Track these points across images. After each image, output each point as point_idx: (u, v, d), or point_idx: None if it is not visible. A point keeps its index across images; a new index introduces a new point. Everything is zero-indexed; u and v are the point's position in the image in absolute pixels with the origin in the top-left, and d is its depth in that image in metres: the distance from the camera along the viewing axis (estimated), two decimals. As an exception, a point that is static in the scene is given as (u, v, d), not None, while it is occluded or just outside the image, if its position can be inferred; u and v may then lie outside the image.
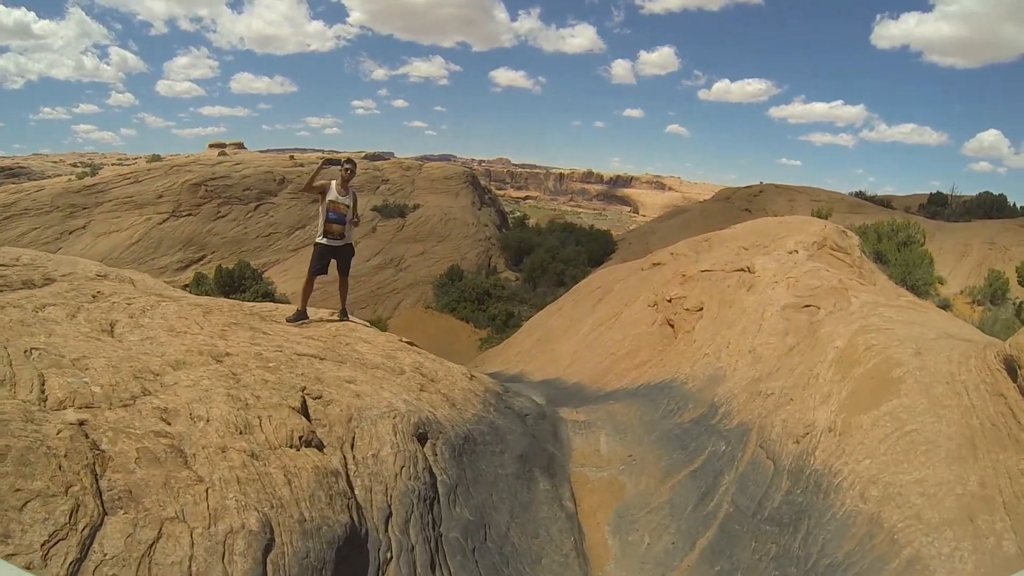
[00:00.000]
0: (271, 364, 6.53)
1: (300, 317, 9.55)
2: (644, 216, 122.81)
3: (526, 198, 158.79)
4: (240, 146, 75.04)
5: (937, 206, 58.04)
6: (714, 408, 9.24)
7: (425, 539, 5.40)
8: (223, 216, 55.00)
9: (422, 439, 6.60)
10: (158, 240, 50.26)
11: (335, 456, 5.42)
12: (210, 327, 7.34)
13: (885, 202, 60.48)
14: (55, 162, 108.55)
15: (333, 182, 9.44)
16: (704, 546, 6.88)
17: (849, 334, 8.88)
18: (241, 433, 4.78)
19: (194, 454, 4.26)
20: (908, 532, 5.39)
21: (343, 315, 10.34)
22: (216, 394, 5.18)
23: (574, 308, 23.41)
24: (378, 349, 8.93)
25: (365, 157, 77.51)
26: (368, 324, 10.81)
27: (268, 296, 35.03)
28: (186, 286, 36.64)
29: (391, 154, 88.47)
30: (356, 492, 5.24)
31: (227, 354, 6.35)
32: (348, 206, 9.52)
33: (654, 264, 21.20)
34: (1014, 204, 56.96)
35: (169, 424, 4.46)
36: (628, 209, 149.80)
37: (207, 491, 3.93)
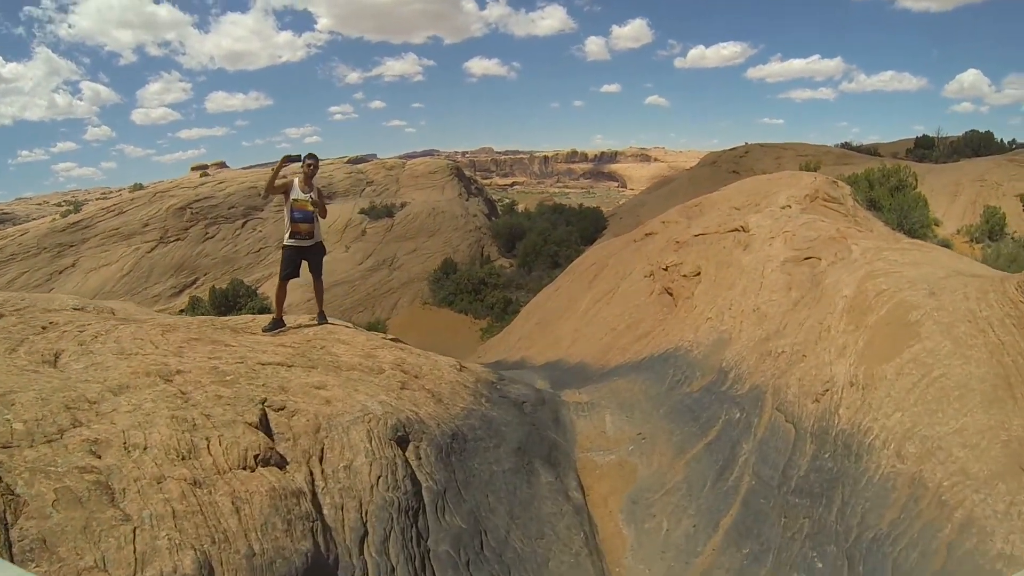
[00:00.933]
0: (228, 378, 5.95)
1: (277, 325, 8.99)
2: (632, 190, 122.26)
3: (513, 184, 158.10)
4: (222, 165, 74.74)
5: (924, 149, 57.73)
6: (723, 374, 8.71)
7: (408, 557, 4.84)
8: (211, 237, 54.34)
9: (402, 443, 6.03)
10: (149, 269, 49.66)
11: (299, 473, 4.88)
12: (166, 346, 6.72)
13: (872, 150, 60.07)
14: (39, 204, 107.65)
15: (295, 180, 8.89)
16: (728, 526, 6.34)
17: (856, 281, 8.38)
18: (183, 459, 4.26)
19: (123, 489, 3.75)
20: (956, 491, 4.87)
21: (321, 318, 9.78)
22: (159, 417, 4.63)
23: (571, 287, 22.98)
24: (356, 349, 8.34)
25: (348, 162, 76.89)
26: (349, 325, 10.24)
27: (264, 312, 34.34)
28: (181, 311, 36.17)
29: (373, 156, 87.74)
30: (324, 512, 4.70)
31: (178, 372, 5.76)
32: (314, 203, 8.96)
33: (646, 234, 20.71)
34: (1001, 140, 56.65)
35: (99, 457, 3.95)
36: (616, 184, 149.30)
37: (134, 531, 3.48)
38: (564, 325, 18.96)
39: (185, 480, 4.04)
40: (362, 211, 59.23)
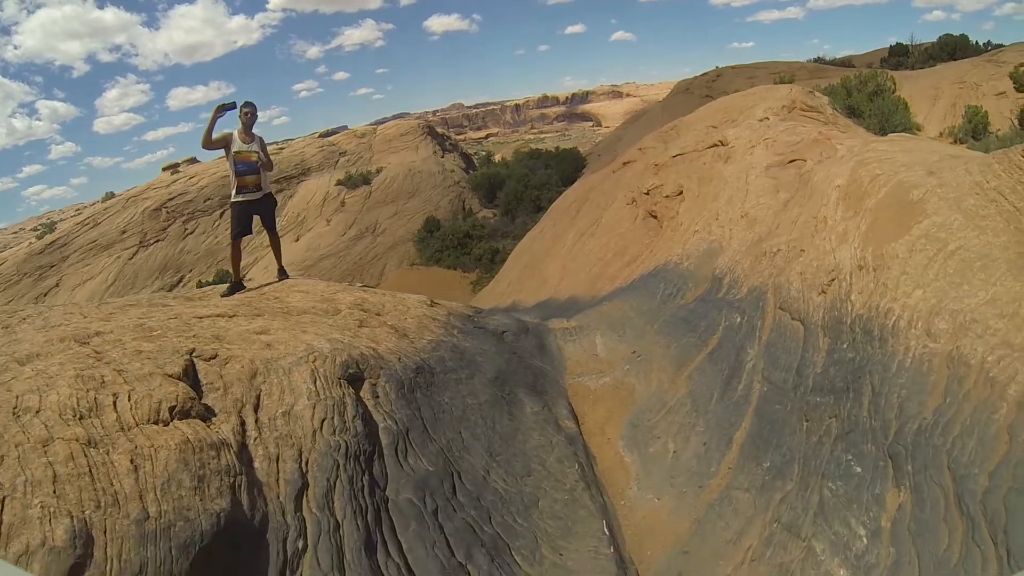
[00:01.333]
0: (154, 333, 5.34)
1: (235, 289, 8.30)
2: (607, 127, 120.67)
3: (487, 137, 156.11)
4: (193, 161, 73.19)
5: (899, 57, 56.78)
6: (717, 281, 8.19)
7: (358, 510, 4.29)
8: (191, 232, 53.33)
9: (355, 381, 5.42)
10: (133, 275, 48.93)
11: (227, 424, 4.34)
12: (97, 314, 6.06)
13: (846, 63, 59.15)
14: (14, 233, 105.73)
15: (235, 132, 8.21)
16: (743, 440, 5.82)
17: (848, 171, 7.89)
18: (81, 418, 3.75)
19: (1, 456, 3.32)
20: (1004, 365, 4.33)
21: (282, 274, 9.15)
22: (62, 379, 4.08)
23: (555, 226, 22.43)
24: (314, 296, 7.70)
25: (320, 136, 75.58)
26: (312, 280, 9.61)
27: None
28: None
29: (345, 127, 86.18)
30: (256, 465, 4.19)
31: (97, 334, 5.14)
32: (257, 152, 8.32)
33: (625, 163, 20.14)
34: (976, 42, 55.72)
35: None
36: (590, 124, 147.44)
37: (2, 501, 3.09)
38: (551, 264, 18.54)
39: (77, 440, 3.55)
40: (339, 182, 58.19)
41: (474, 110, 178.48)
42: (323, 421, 4.72)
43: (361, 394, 5.34)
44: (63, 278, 49.12)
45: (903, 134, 13.15)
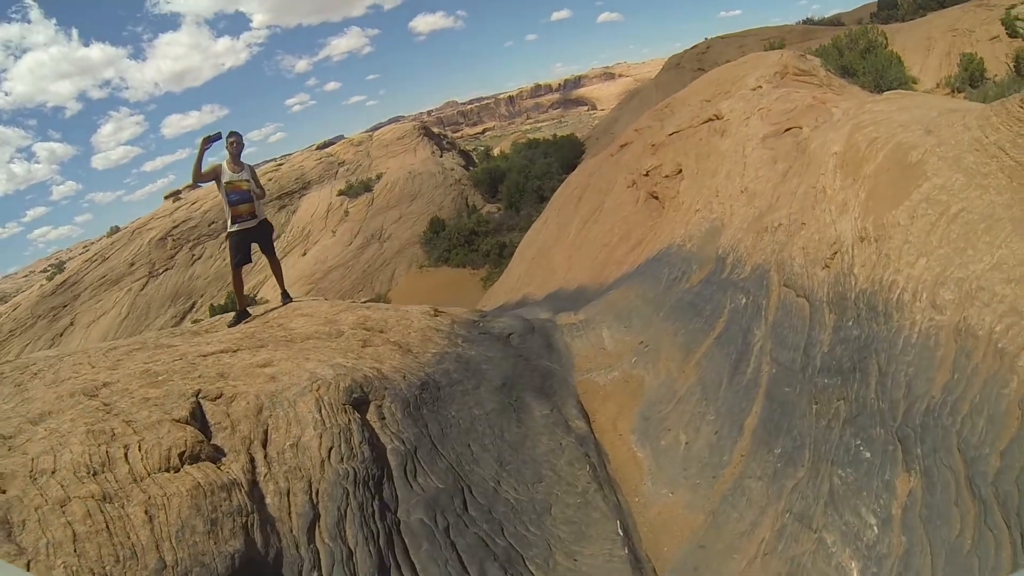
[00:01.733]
0: (160, 378, 5.33)
1: (241, 317, 8.42)
2: (603, 110, 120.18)
3: (484, 131, 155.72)
4: (194, 186, 73.57)
5: (888, 10, 56.11)
6: (721, 260, 8.05)
7: (369, 536, 4.24)
8: (199, 258, 53.52)
9: (360, 404, 5.39)
10: (146, 306, 49.11)
11: (236, 463, 4.32)
12: (104, 362, 6.04)
13: (835, 22, 58.59)
14: (25, 277, 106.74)
15: (224, 163, 8.22)
16: (755, 426, 5.68)
17: (844, 137, 7.72)
18: (94, 475, 3.77)
19: (23, 521, 3.33)
20: (1014, 334, 4.14)
21: (285, 298, 9.18)
22: (74, 436, 4.09)
23: (558, 216, 22.27)
24: (317, 319, 7.66)
25: (317, 148, 75.63)
26: (315, 300, 9.57)
27: None
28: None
29: (341, 137, 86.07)
30: (268, 501, 4.17)
31: (104, 385, 5.13)
32: (248, 181, 8.34)
33: (622, 146, 19.98)
34: (968, -12, 54.97)
35: (2, 492, 3.52)
36: (585, 108, 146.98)
37: (28, 565, 3.12)
38: (557, 254, 18.39)
39: (93, 497, 3.57)
40: (340, 192, 58.37)
41: (468, 106, 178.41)
42: (330, 450, 4.69)
43: (367, 417, 5.31)
44: (77, 316, 49.39)
45: (899, 91, 12.92)
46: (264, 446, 4.57)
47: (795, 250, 6.66)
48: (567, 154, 55.43)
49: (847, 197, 6.50)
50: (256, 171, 8.61)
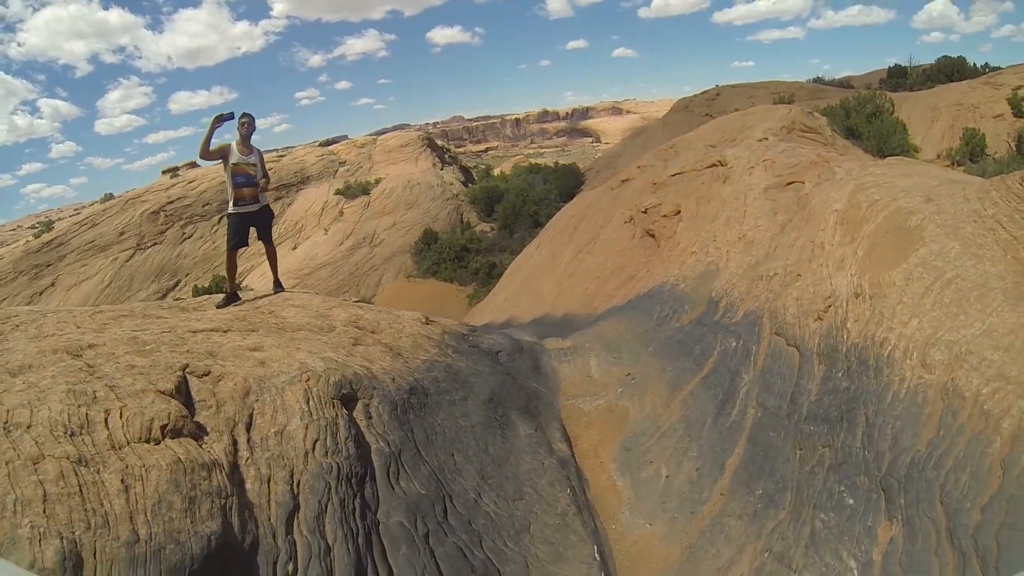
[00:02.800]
0: (147, 347, 5.27)
1: (231, 300, 8.25)
2: (607, 143, 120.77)
3: (487, 150, 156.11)
4: (192, 165, 73.08)
5: (898, 79, 56.81)
6: (713, 304, 8.14)
7: (348, 533, 4.20)
8: (189, 237, 52.97)
9: (348, 401, 5.35)
10: (129, 277, 48.61)
11: (219, 443, 4.25)
12: (90, 324, 5.97)
13: (845, 83, 59.26)
14: (12, 230, 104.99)
15: (233, 143, 8.19)
16: (736, 466, 5.75)
17: (846, 196, 7.88)
18: (72, 435, 3.67)
19: None
20: (999, 398, 4.28)
21: (277, 286, 9.09)
22: (54, 392, 4.01)
23: (552, 243, 22.36)
24: (309, 311, 7.65)
25: (320, 145, 75.69)
26: (308, 293, 9.56)
27: None
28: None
29: (345, 137, 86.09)
30: (248, 486, 4.10)
31: (90, 346, 5.07)
32: (255, 165, 8.29)
33: (623, 181, 20.13)
34: (974, 64, 55.79)
35: None
36: (590, 140, 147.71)
37: None
38: (548, 280, 18.46)
39: (68, 458, 3.46)
40: (337, 192, 58.20)
41: (474, 123, 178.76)
42: (315, 442, 4.65)
43: (354, 415, 5.27)
44: (59, 278, 48.61)
45: (901, 158, 13.18)
46: (248, 430, 4.52)
47: (789, 300, 6.76)
48: (567, 183, 55.38)
49: (845, 254, 6.63)
50: (264, 156, 8.59)
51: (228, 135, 8.30)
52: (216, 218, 55.22)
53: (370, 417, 5.35)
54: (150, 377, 4.55)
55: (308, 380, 5.20)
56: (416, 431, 5.58)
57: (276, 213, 55.13)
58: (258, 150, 8.43)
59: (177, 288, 47.98)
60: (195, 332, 5.96)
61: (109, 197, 65.23)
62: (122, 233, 51.94)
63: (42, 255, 50.14)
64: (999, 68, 46.43)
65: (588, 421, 7.25)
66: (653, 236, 12.97)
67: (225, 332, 6.17)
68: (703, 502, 5.62)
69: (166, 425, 4.04)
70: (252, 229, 8.58)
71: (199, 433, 4.26)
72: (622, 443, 6.79)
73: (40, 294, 46.98)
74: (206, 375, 4.89)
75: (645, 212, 14.00)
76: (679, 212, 12.44)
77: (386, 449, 5.09)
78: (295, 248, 51.61)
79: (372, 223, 54.26)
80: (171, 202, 54.83)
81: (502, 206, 52.34)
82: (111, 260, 49.75)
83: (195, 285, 42.27)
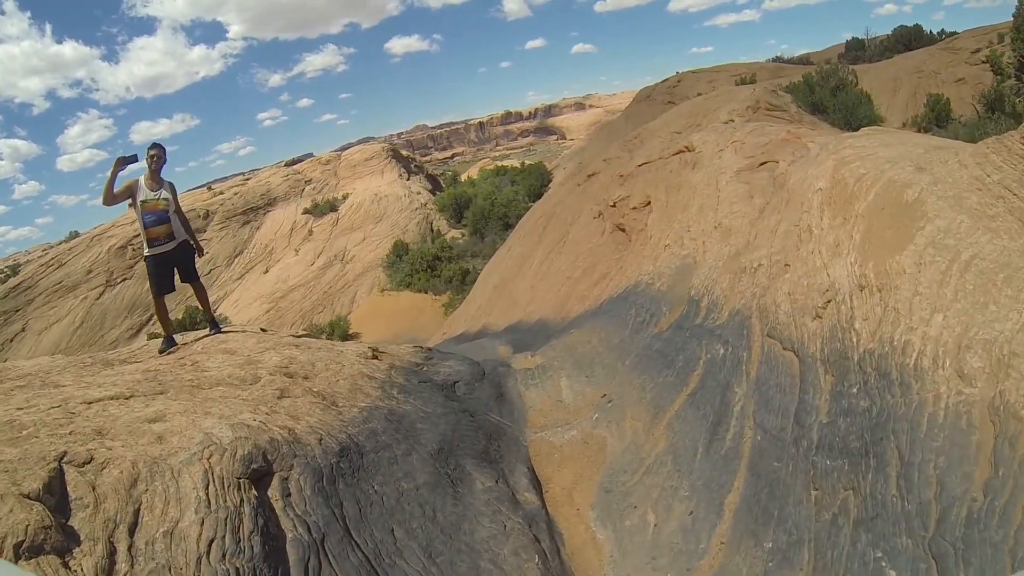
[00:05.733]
0: (24, 431, 4.27)
1: (169, 345, 7.63)
2: (572, 139, 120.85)
3: (453, 156, 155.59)
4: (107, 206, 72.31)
5: (856, 51, 57.09)
6: (694, 304, 7.28)
7: None
8: None
9: (262, 476, 4.36)
10: (101, 316, 47.46)
11: (90, 557, 3.27)
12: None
13: (804, 60, 59.43)
14: None
15: (140, 179, 7.50)
16: (737, 505, 4.74)
17: (829, 172, 7.09)
18: None
19: None
20: None
21: (213, 327, 8.35)
22: None
23: (522, 244, 21.68)
24: (238, 357, 6.72)
25: (286, 165, 75.04)
26: (246, 329, 8.65)
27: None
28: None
29: (310, 155, 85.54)
30: None
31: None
32: (167, 199, 7.57)
33: (589, 176, 19.50)
34: (931, 32, 56.00)
35: None
36: (555, 137, 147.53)
37: None
38: (520, 284, 17.79)
39: None
40: (305, 211, 58.22)
41: (439, 130, 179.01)
42: (211, 542, 3.67)
43: (268, 493, 4.30)
44: (29, 322, 47.55)
45: (875, 127, 12.55)
46: (131, 532, 3.52)
47: (779, 295, 5.89)
48: (534, 182, 55.54)
49: (839, 238, 5.77)
50: (176, 189, 7.81)
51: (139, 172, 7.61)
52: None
53: (288, 495, 4.36)
54: (16, 475, 3.56)
55: (210, 457, 4.23)
56: (346, 505, 4.58)
57: (245, 237, 54.81)
58: (169, 183, 7.70)
59: (151, 323, 46.47)
60: (90, 404, 4.90)
61: (75, 235, 64.34)
62: (90, 271, 50.97)
63: (9, 301, 48.99)
64: (955, 33, 46.71)
65: (560, 458, 6.33)
66: (624, 230, 12.36)
67: (127, 399, 5.15)
68: (700, 555, 4.62)
69: (21, 543, 3.09)
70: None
71: (67, 545, 3.28)
72: (601, 483, 5.85)
73: (11, 340, 46.04)
74: (87, 463, 3.87)
75: (614, 206, 13.36)
76: (649, 203, 11.81)
77: (305, 537, 4.07)
78: (267, 271, 51.32)
79: (342, 240, 54.24)
80: (138, 235, 53.75)
81: (471, 211, 52.22)
82: (80, 300, 48.80)
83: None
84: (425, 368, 7.71)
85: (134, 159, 7.30)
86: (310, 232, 55.22)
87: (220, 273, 52.46)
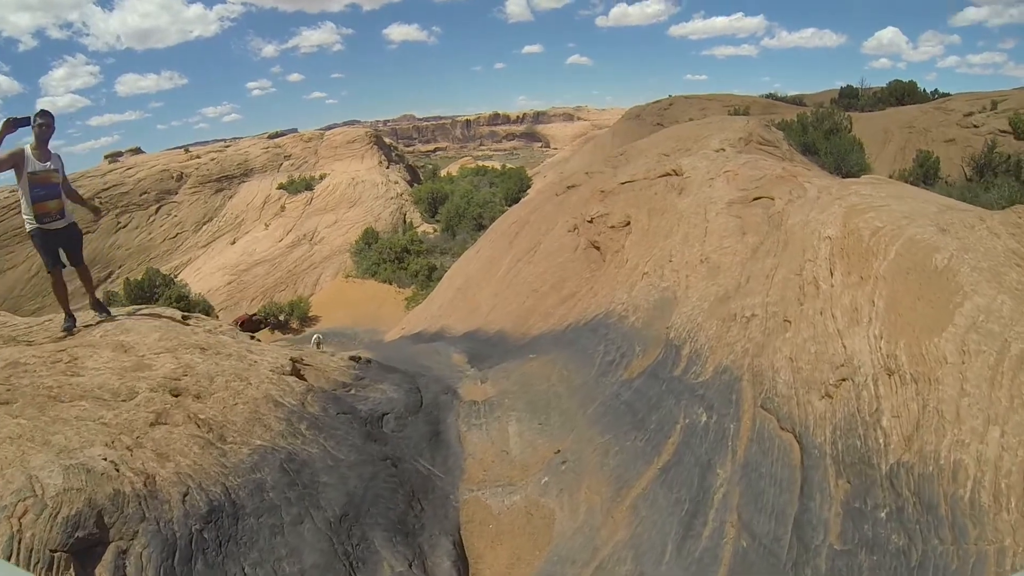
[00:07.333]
0: None
1: (71, 323, 6.94)
2: (556, 149, 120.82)
3: (435, 151, 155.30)
4: (137, 151, 71.47)
5: (849, 99, 57.52)
6: (673, 349, 6.32)
7: None
8: (124, 226, 51.25)
9: (92, 546, 3.17)
10: (56, 267, 46.24)
11: None
12: None
13: (797, 100, 59.75)
14: None
15: (26, 147, 6.64)
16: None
17: (839, 220, 6.31)
18: None
19: None
20: None
21: (98, 308, 7.55)
22: None
23: (491, 248, 20.94)
24: (127, 358, 5.63)
25: (268, 137, 74.17)
26: (162, 315, 7.63)
27: (183, 300, 31.91)
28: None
29: (294, 130, 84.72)
30: None
31: None
32: (57, 172, 6.84)
33: (569, 187, 18.78)
34: (924, 90, 56.60)
35: None
36: (540, 145, 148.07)
37: None
38: (484, 290, 17.10)
39: None
40: (280, 186, 57.99)
41: (425, 123, 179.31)
42: None
43: (96, 572, 3.12)
44: (-14, 265, 46.33)
45: (877, 176, 12.08)
46: None
47: (778, 358, 4.95)
48: (512, 187, 55.80)
49: (856, 300, 4.84)
50: (63, 163, 7.02)
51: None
52: (155, 208, 53.91)
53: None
54: None
55: (23, 515, 3.10)
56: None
57: (216, 205, 54.17)
58: (57, 155, 6.94)
59: (109, 280, 45.89)
60: None
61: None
62: (49, 220, 49.60)
63: (-35, 245, 47.49)
64: (948, 95, 47.29)
65: (497, 531, 5.21)
66: (598, 248, 11.71)
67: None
68: None
69: None
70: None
71: None
72: (543, 573, 4.73)
73: (-31, 282, 44.60)
74: None
75: (591, 221, 12.72)
76: (628, 223, 11.16)
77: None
78: (234, 243, 50.81)
79: (314, 220, 53.80)
80: (106, 189, 53.23)
81: (446, 208, 52.33)
82: (36, 249, 47.40)
83: (127, 278, 40.48)
84: (353, 391, 6.61)
85: (27, 122, 6.56)
86: (282, 208, 54.72)
87: (187, 238, 52.02)
